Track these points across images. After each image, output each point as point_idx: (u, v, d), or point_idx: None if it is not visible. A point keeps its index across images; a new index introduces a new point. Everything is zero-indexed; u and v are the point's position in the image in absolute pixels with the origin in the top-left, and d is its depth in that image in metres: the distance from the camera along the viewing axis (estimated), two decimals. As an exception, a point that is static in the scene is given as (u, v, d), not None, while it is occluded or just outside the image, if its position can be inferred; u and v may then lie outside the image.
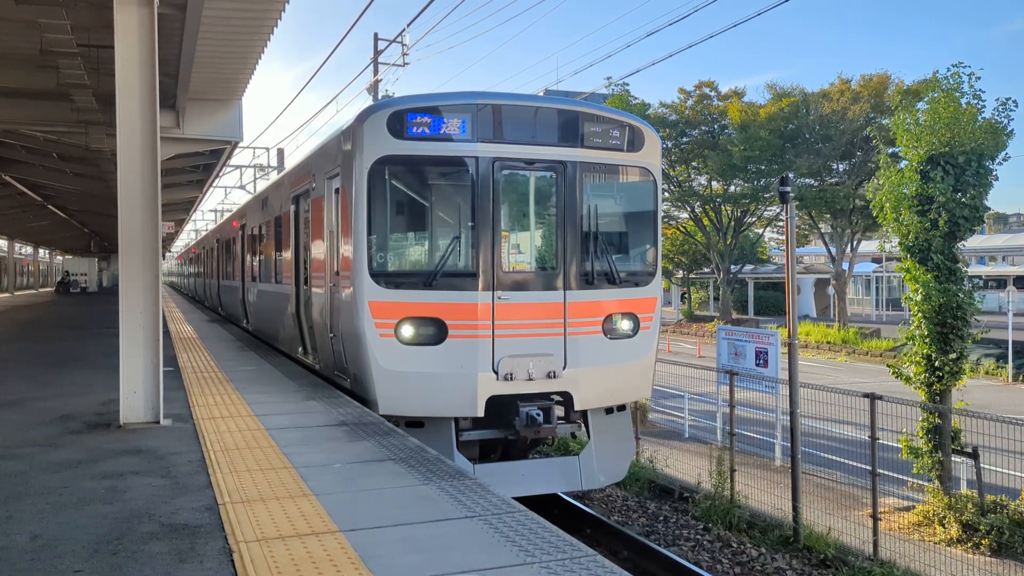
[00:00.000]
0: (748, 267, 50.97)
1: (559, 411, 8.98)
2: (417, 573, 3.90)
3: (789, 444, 11.19)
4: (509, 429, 8.63)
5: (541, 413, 8.44)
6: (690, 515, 11.07)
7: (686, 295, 58.63)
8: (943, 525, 10.62)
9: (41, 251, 74.02)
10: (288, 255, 12.63)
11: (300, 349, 11.94)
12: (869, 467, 10.23)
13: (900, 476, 12.02)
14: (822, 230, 43.67)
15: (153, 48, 7.65)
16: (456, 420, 8.49)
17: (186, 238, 65.30)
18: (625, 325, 9.19)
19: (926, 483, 11.46)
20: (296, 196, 12.08)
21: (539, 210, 9.18)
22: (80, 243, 61.99)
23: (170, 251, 68.88)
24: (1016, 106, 11.84)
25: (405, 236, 9.34)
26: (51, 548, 4.28)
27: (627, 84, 37.32)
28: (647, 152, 9.44)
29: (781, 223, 44.13)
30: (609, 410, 9.34)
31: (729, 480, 11.29)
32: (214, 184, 31.16)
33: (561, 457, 10.68)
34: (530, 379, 8.44)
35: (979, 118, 11.66)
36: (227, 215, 29.96)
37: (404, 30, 24.79)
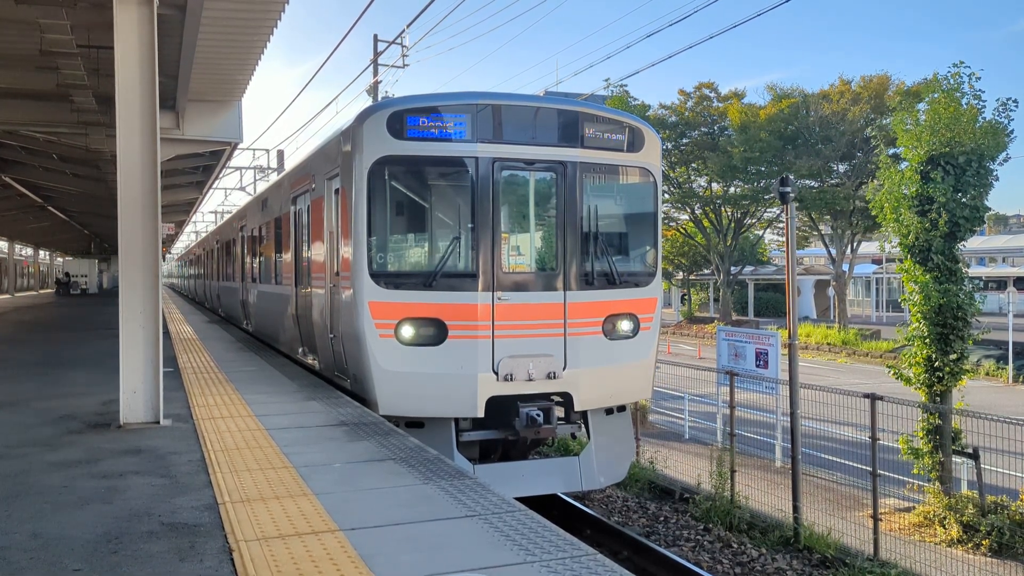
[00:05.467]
0: (748, 268, 50.96)
1: (559, 412, 8.97)
2: (417, 572, 3.90)
3: (789, 445, 11.19)
4: (509, 430, 8.62)
5: (541, 414, 8.43)
6: (690, 516, 11.06)
7: (686, 296, 58.62)
8: (943, 526, 10.61)
9: (41, 253, 74.03)
10: (288, 256, 12.63)
11: (300, 350, 11.93)
12: (869, 468, 10.23)
13: (900, 477, 12.01)
14: (822, 231, 43.68)
15: (153, 49, 7.65)
16: (456, 420, 8.48)
17: (186, 239, 65.31)
18: (625, 326, 9.18)
19: (926, 484, 11.46)
20: (296, 197, 12.08)
21: (539, 211, 9.17)
22: (80, 244, 61.97)
23: (170, 253, 68.86)
24: (1016, 106, 11.85)
25: (405, 236, 9.34)
26: (51, 547, 4.28)
27: (626, 85, 37.35)
28: (647, 152, 9.44)
29: (781, 225, 44.14)
30: (609, 411, 9.33)
31: (729, 481, 11.29)
32: (214, 185, 31.15)
33: (561, 458, 10.68)
34: (530, 380, 8.43)
35: (980, 118, 11.67)
36: (227, 216, 29.96)
37: (404, 31, 24.83)
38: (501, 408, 8.50)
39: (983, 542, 10.08)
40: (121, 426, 7.49)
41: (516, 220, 9.32)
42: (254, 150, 55.35)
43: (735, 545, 9.95)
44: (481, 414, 8.37)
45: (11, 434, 7.32)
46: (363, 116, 8.65)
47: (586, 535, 9.74)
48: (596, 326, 8.93)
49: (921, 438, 11.59)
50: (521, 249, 9.32)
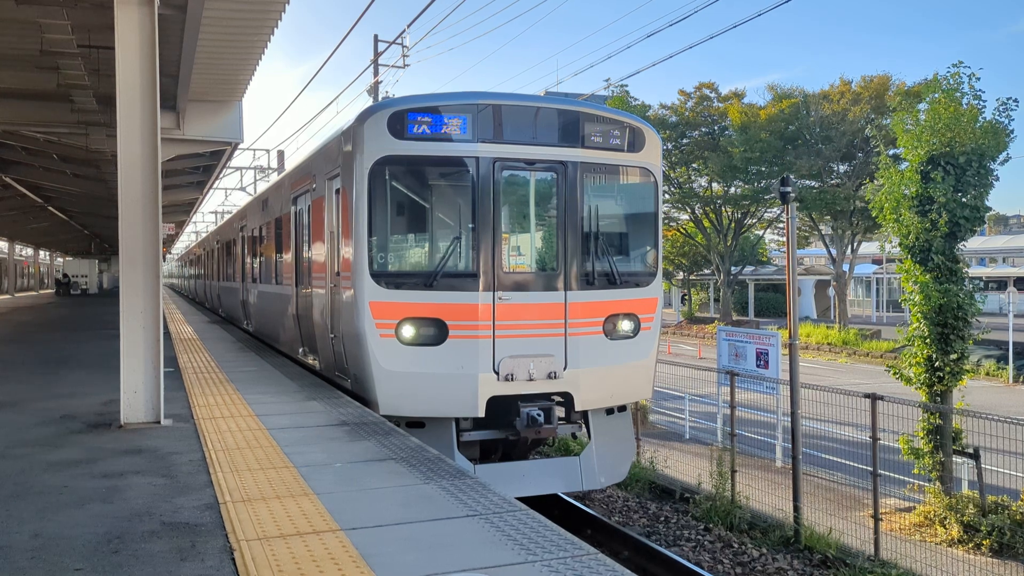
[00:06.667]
0: (748, 269, 50.97)
1: (560, 412, 8.97)
2: (418, 571, 3.90)
3: (790, 445, 11.18)
4: (510, 429, 8.62)
5: (542, 413, 8.43)
6: (691, 516, 11.06)
7: (686, 297, 58.59)
8: (944, 526, 10.61)
9: (41, 253, 74.03)
10: (288, 256, 12.63)
11: (300, 350, 11.93)
12: (870, 468, 10.22)
13: (901, 477, 12.01)
14: (822, 232, 43.68)
15: (153, 49, 7.65)
16: (457, 420, 8.48)
17: (186, 240, 65.31)
18: (626, 326, 9.19)
19: (927, 484, 11.45)
20: (296, 197, 12.08)
21: (540, 211, 9.17)
22: (80, 245, 61.98)
23: (170, 253, 68.86)
24: (1017, 106, 11.84)
25: (406, 236, 9.34)
26: (52, 546, 4.28)
27: (626, 86, 37.37)
28: (648, 152, 9.44)
29: (781, 225, 44.13)
30: (610, 411, 9.33)
31: (730, 481, 11.28)
32: (214, 186, 31.17)
33: (562, 458, 10.67)
34: (531, 379, 8.43)
35: (980, 118, 11.66)
36: (227, 217, 29.97)
37: (404, 31, 24.84)
38: (502, 408, 8.50)
39: (984, 542, 10.07)
40: (122, 426, 7.49)
41: (517, 220, 9.32)
42: (254, 150, 55.45)
43: (736, 545, 9.94)
44: (482, 414, 8.37)
45: (12, 434, 7.32)
46: (364, 116, 8.65)
47: (587, 535, 9.73)
48: (597, 326, 8.93)
49: (922, 438, 11.58)
50: (522, 249, 9.32)
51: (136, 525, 4.61)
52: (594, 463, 9.03)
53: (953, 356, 11.54)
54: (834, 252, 41.02)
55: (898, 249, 12.45)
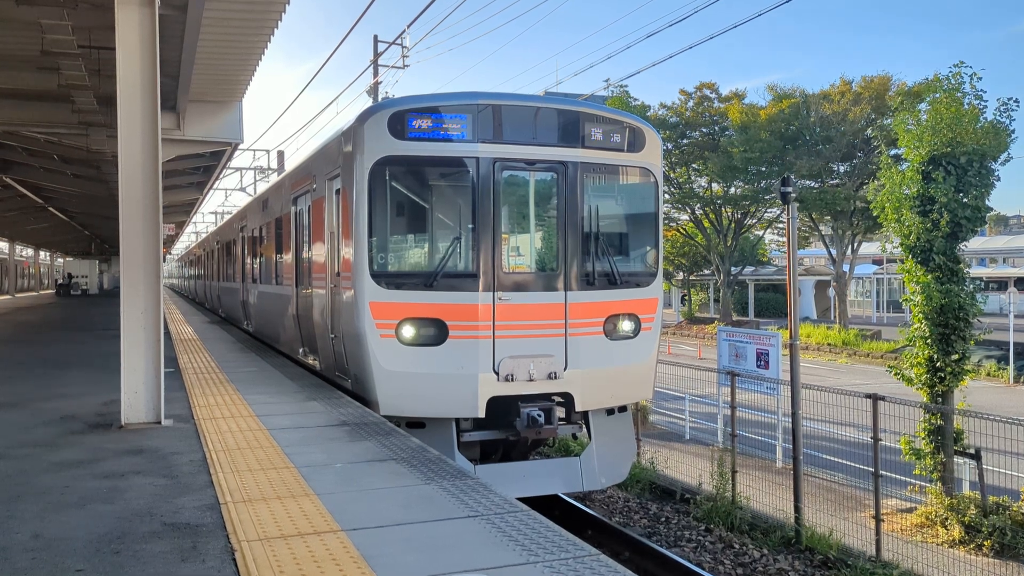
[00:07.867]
0: (748, 269, 50.94)
1: (560, 412, 8.96)
2: (420, 572, 3.89)
3: (790, 445, 11.17)
4: (510, 430, 8.61)
5: (542, 414, 8.42)
6: (692, 516, 11.05)
7: (686, 297, 58.56)
8: (945, 526, 10.61)
9: (42, 253, 74.07)
10: (288, 256, 12.63)
11: (301, 350, 11.93)
12: (871, 468, 10.21)
13: (902, 477, 12.00)
14: (823, 232, 43.67)
15: (154, 49, 7.65)
16: (457, 421, 8.48)
17: (187, 240, 65.29)
18: (626, 326, 9.18)
19: (928, 484, 11.44)
20: (296, 197, 12.08)
21: (540, 211, 9.16)
22: (81, 245, 62.04)
23: (170, 253, 68.85)
24: (1017, 106, 11.84)
25: (406, 237, 9.33)
26: (53, 547, 4.27)
27: (626, 86, 37.33)
28: (648, 153, 9.44)
29: (781, 225, 44.15)
30: (610, 411, 9.32)
31: (730, 481, 11.28)
32: (214, 186, 31.18)
33: (562, 458, 10.66)
34: (531, 380, 8.42)
35: (981, 119, 11.66)
36: (227, 217, 29.97)
37: (404, 32, 24.83)
38: (502, 408, 8.49)
39: (985, 543, 10.07)
40: (122, 426, 7.49)
41: (517, 220, 9.30)
42: (254, 151, 55.29)
43: (737, 546, 9.94)
44: (482, 414, 8.37)
45: (12, 434, 7.31)
46: (364, 116, 8.65)
47: (587, 536, 9.72)
48: (597, 326, 8.93)
49: (923, 438, 11.57)
50: (521, 249, 9.31)
51: (137, 526, 4.61)
52: (594, 463, 9.02)
53: (954, 356, 11.54)
54: (834, 252, 41.01)
55: (899, 249, 12.44)
